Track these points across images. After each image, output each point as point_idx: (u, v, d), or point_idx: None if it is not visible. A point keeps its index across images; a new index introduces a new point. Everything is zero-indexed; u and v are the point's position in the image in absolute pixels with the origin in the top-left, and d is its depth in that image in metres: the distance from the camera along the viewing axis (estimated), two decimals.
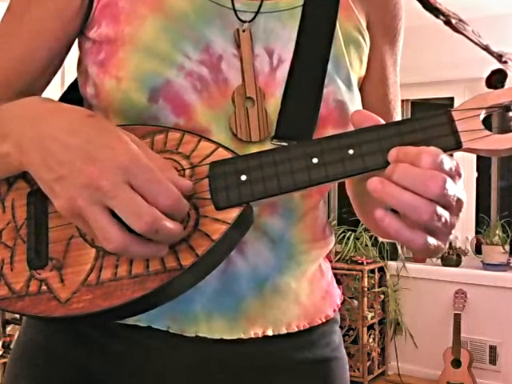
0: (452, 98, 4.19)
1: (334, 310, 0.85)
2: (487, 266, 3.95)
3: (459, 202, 0.58)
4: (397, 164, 0.57)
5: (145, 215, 0.55)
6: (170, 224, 0.57)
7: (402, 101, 4.43)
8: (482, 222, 4.12)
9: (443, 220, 0.56)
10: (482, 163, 4.20)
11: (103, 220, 0.56)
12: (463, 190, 0.59)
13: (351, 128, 0.63)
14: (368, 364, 4.00)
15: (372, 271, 4.08)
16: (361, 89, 0.82)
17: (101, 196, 0.56)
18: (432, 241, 0.57)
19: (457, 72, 3.93)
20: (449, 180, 0.55)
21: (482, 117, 0.59)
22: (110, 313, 0.61)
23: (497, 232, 3.96)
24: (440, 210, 0.56)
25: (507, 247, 3.93)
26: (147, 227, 0.56)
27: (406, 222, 0.56)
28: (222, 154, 0.64)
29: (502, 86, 0.59)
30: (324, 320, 0.82)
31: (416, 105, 4.50)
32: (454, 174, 0.57)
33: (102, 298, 0.61)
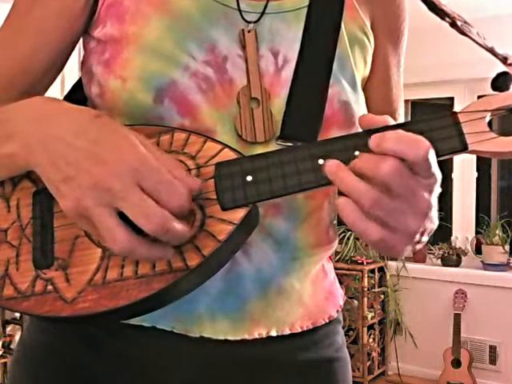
0: (452, 98, 4.19)
1: (337, 311, 0.85)
2: (487, 266, 3.95)
3: (419, 198, 0.56)
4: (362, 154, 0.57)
5: (155, 216, 0.56)
6: (178, 225, 0.57)
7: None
8: (482, 222, 4.12)
9: (393, 211, 0.55)
10: (482, 163, 4.20)
11: (110, 221, 0.56)
12: (435, 196, 0.57)
13: (356, 129, 0.63)
14: (368, 364, 4.00)
15: (372, 271, 4.08)
16: (364, 89, 0.82)
17: (110, 197, 0.56)
18: (389, 238, 0.56)
19: (457, 72, 3.93)
20: (400, 166, 0.54)
21: (487, 119, 0.59)
22: (115, 313, 0.62)
23: (497, 232, 3.96)
24: (386, 199, 0.55)
25: (507, 247, 3.93)
26: (157, 228, 0.56)
27: (363, 214, 0.56)
28: (228, 155, 0.64)
29: (508, 89, 0.59)
30: (327, 320, 0.82)
31: (416, 105, 4.50)
32: (424, 172, 0.55)
33: (107, 297, 0.61)
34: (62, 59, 0.77)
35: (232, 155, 0.64)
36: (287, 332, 0.77)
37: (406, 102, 4.44)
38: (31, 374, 0.78)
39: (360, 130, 0.62)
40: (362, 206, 0.55)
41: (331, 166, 0.57)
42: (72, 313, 0.62)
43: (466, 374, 3.78)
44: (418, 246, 0.61)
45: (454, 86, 4.10)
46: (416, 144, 0.54)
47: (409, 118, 4.46)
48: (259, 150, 0.70)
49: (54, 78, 0.79)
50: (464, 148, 0.58)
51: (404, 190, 0.55)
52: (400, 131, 0.56)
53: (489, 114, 0.59)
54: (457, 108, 4.04)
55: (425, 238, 0.60)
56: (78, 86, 0.80)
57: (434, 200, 0.58)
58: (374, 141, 0.56)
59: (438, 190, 0.58)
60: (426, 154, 0.54)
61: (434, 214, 0.59)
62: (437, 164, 0.56)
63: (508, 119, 0.58)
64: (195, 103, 0.70)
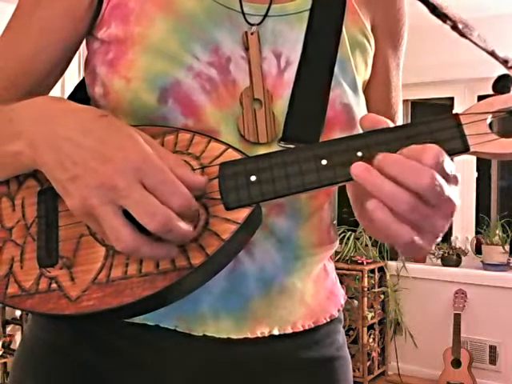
0: (452, 98, 4.19)
1: (338, 310, 0.86)
2: (487, 266, 3.95)
3: (449, 202, 0.57)
4: (389, 154, 0.57)
5: (158, 214, 0.56)
6: (181, 224, 0.58)
7: (402, 101, 4.41)
8: (482, 222, 4.12)
9: (427, 216, 0.56)
10: (482, 163, 4.20)
11: (115, 220, 0.57)
12: (457, 196, 0.58)
13: (358, 131, 0.63)
14: (368, 364, 4.00)
15: (372, 271, 4.08)
16: (364, 91, 0.83)
17: (114, 195, 0.57)
18: (418, 240, 0.57)
19: (457, 72, 3.93)
20: (438, 177, 0.55)
21: (488, 121, 0.59)
22: (119, 311, 0.62)
23: (497, 232, 3.96)
24: (422, 206, 0.55)
25: (507, 247, 3.93)
26: (160, 226, 0.56)
27: (395, 216, 0.56)
28: (232, 155, 0.64)
29: (509, 91, 0.59)
30: (328, 319, 0.83)
31: (416, 105, 4.50)
32: (451, 178, 0.57)
33: (111, 296, 0.61)
34: (66, 60, 0.78)
35: (236, 155, 0.64)
36: (289, 331, 0.78)
37: (406, 101, 4.44)
38: (33, 372, 0.79)
39: (361, 131, 0.62)
40: (397, 210, 0.55)
41: (360, 171, 0.57)
42: (76, 311, 0.62)
43: (466, 373, 3.78)
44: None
45: (454, 86, 4.10)
46: (422, 173, 0.55)
47: (409, 118, 4.47)
48: (262, 150, 0.70)
49: (58, 79, 0.79)
50: (466, 149, 0.59)
51: (437, 197, 0.56)
52: (411, 161, 0.56)
53: (490, 115, 0.59)
54: (457, 108, 4.04)
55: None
56: (80, 87, 0.80)
57: (458, 199, 0.59)
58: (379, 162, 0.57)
59: (457, 188, 0.59)
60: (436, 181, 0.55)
61: None
62: (453, 164, 0.57)
63: (509, 121, 0.59)
64: (199, 104, 0.70)
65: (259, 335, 0.75)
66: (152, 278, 0.61)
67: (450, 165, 0.57)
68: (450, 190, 0.56)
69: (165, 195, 0.58)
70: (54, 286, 0.64)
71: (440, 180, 0.55)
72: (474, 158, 4.01)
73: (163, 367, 0.75)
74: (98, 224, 0.58)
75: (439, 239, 0.60)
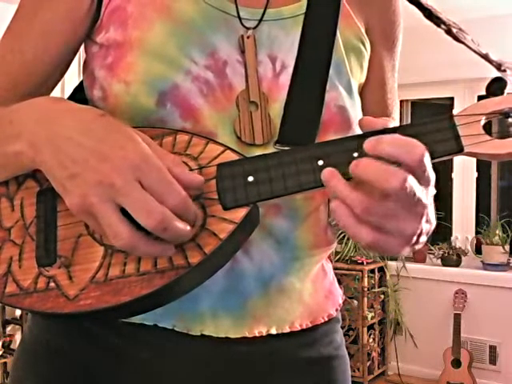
0: (452, 98, 4.19)
1: (336, 310, 0.86)
2: (487, 266, 3.96)
3: (419, 204, 0.57)
4: (360, 160, 0.57)
5: (154, 213, 0.57)
6: (178, 223, 0.59)
7: (402, 101, 4.43)
8: (482, 222, 4.12)
9: (391, 218, 0.57)
10: (482, 163, 4.20)
11: (113, 217, 0.58)
12: (429, 197, 0.58)
13: (353, 132, 0.64)
14: (368, 364, 4.00)
15: (372, 271, 4.09)
16: (360, 93, 0.83)
17: (112, 193, 0.58)
18: (381, 241, 0.58)
19: (457, 72, 3.93)
20: (410, 179, 0.55)
21: (482, 122, 0.60)
22: (117, 310, 0.62)
23: (497, 232, 3.97)
24: (383, 208, 0.56)
25: (507, 247, 3.93)
26: (156, 224, 0.57)
27: (355, 217, 0.57)
28: (230, 156, 0.65)
29: (502, 93, 0.60)
30: (327, 319, 0.84)
31: (416, 105, 4.50)
32: (425, 179, 0.57)
33: (110, 294, 0.62)
34: (66, 62, 0.78)
35: (233, 156, 0.65)
36: (287, 330, 0.78)
37: (406, 101, 4.45)
38: (32, 372, 0.79)
39: (357, 132, 0.63)
40: (355, 212, 0.57)
41: (325, 174, 0.59)
42: (74, 309, 0.63)
43: (466, 373, 3.78)
44: (418, 246, 0.62)
45: (454, 85, 4.10)
46: (412, 148, 0.56)
47: (409, 118, 4.47)
48: (258, 152, 0.71)
49: (58, 81, 0.80)
50: (460, 150, 0.60)
51: (403, 197, 0.56)
52: (396, 135, 0.57)
53: (484, 117, 0.60)
54: (457, 108, 4.04)
55: (423, 238, 0.61)
56: (79, 89, 0.81)
57: (430, 201, 0.59)
58: (369, 144, 0.57)
59: (432, 191, 0.59)
60: (421, 158, 0.56)
61: (431, 214, 0.61)
62: (431, 166, 0.58)
63: (502, 122, 0.59)
64: (197, 107, 0.71)
65: (257, 335, 0.76)
66: (150, 276, 0.62)
67: (428, 166, 0.57)
68: (421, 192, 0.57)
69: (162, 194, 0.58)
70: (52, 284, 0.65)
71: (411, 182, 0.55)
72: (474, 158, 4.01)
73: (161, 366, 0.75)
74: (97, 222, 0.59)
75: (421, 239, 0.60)
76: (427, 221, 0.60)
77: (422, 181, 0.57)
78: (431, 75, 4.06)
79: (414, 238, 0.60)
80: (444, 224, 4.12)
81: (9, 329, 3.50)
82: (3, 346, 3.34)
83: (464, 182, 4.13)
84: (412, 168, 0.56)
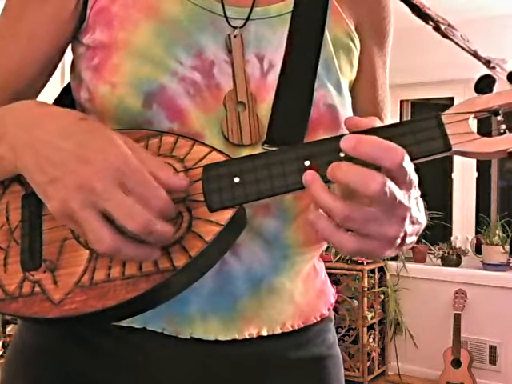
0: (452, 98, 4.19)
1: (329, 309, 0.86)
2: (487, 266, 3.96)
3: (401, 207, 0.57)
4: (339, 163, 0.57)
5: (137, 216, 0.56)
6: (162, 225, 0.58)
7: (402, 101, 4.43)
8: (482, 222, 4.12)
9: (372, 222, 0.56)
10: (482, 163, 4.19)
11: (95, 222, 0.57)
12: (409, 200, 0.58)
13: (342, 131, 0.63)
14: (368, 364, 4.00)
15: (372, 271, 4.08)
16: (350, 90, 0.83)
17: (93, 198, 0.57)
18: (363, 246, 0.57)
19: (457, 72, 3.92)
20: (390, 183, 0.54)
21: (470, 121, 0.60)
22: (103, 314, 0.62)
23: (497, 232, 3.97)
24: (364, 214, 0.56)
25: (507, 247, 3.93)
26: (139, 228, 0.56)
27: (336, 226, 0.57)
28: (216, 157, 0.64)
29: (491, 91, 0.60)
30: (319, 319, 0.83)
31: (416, 105, 4.50)
32: (407, 182, 0.56)
33: (95, 298, 0.61)
34: (52, 64, 0.78)
35: (220, 157, 0.64)
36: (278, 331, 0.78)
37: (406, 102, 4.45)
38: (22, 374, 0.79)
39: (346, 132, 0.62)
40: (335, 220, 0.56)
41: (306, 177, 0.58)
42: (59, 314, 0.62)
43: (466, 373, 3.78)
44: (405, 248, 0.62)
45: (454, 85, 4.10)
46: (391, 152, 0.55)
47: (409, 118, 4.46)
48: (246, 152, 0.70)
49: (45, 83, 0.80)
50: (448, 149, 0.59)
51: (383, 201, 0.55)
52: (375, 138, 0.56)
53: (472, 115, 0.59)
54: None
55: (409, 240, 0.61)
56: (66, 91, 0.80)
57: (413, 203, 0.59)
58: (349, 143, 0.56)
59: (415, 193, 0.59)
60: (401, 162, 0.55)
61: (416, 215, 0.60)
62: (413, 168, 0.57)
63: (491, 121, 0.59)
64: (183, 107, 0.70)
65: (247, 337, 0.75)
66: (135, 280, 0.61)
67: (410, 168, 0.56)
68: (402, 195, 0.56)
69: (143, 197, 0.57)
70: (37, 289, 0.64)
71: (391, 186, 0.55)
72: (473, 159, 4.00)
73: (151, 370, 0.75)
74: (79, 226, 0.58)
75: (407, 241, 0.60)
76: (412, 222, 0.60)
77: (403, 184, 0.56)
78: (431, 75, 4.06)
79: (398, 241, 0.59)
80: (444, 224, 4.11)
81: (9, 329, 3.50)
82: (3, 346, 3.33)
83: (464, 181, 4.13)
84: (391, 172, 0.55)
